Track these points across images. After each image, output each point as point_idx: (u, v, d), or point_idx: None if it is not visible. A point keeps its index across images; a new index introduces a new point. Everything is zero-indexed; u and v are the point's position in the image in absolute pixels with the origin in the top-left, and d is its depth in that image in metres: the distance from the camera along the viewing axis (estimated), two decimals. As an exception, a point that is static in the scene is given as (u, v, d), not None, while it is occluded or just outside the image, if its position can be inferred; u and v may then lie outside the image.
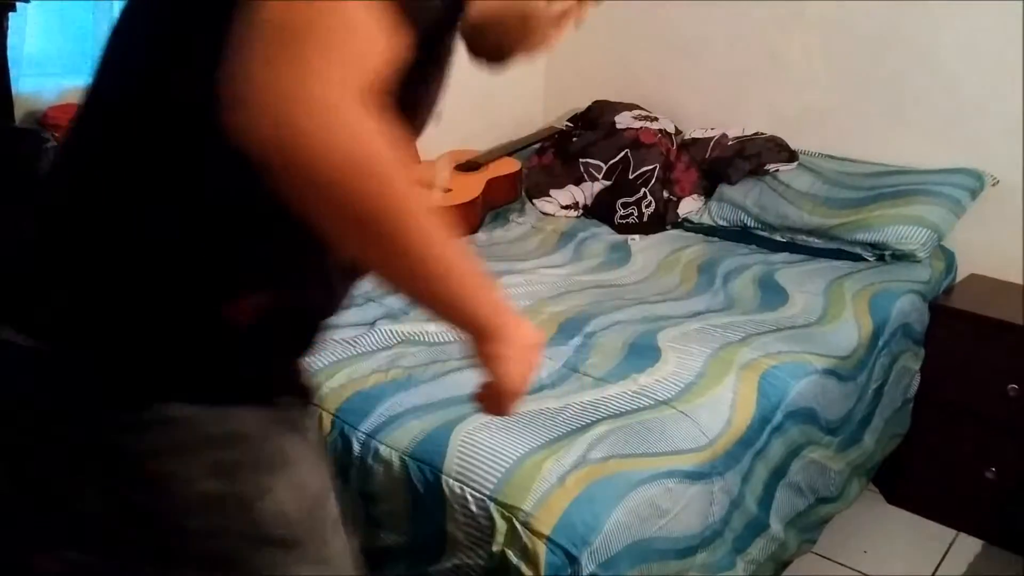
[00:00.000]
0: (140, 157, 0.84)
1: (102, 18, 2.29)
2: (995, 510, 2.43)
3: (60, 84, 2.27)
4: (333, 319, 0.99)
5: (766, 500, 1.84)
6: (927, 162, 2.77)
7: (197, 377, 0.87)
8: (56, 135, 1.85)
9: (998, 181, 2.70)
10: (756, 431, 1.76)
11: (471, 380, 1.72)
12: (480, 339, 0.91)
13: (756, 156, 2.88)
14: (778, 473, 1.88)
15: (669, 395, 1.75)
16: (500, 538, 1.40)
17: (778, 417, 1.83)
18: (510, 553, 1.38)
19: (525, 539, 1.38)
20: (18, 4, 1.89)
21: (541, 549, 1.36)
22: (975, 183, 2.68)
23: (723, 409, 1.74)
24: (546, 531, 1.38)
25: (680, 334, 2.02)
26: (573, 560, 1.36)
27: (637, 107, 3.12)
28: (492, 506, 1.42)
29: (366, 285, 2.25)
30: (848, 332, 2.19)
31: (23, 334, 0.86)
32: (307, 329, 0.97)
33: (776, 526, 1.87)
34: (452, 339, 1.94)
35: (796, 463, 1.94)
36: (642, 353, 1.90)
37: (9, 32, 1.89)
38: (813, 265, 2.60)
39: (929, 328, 2.51)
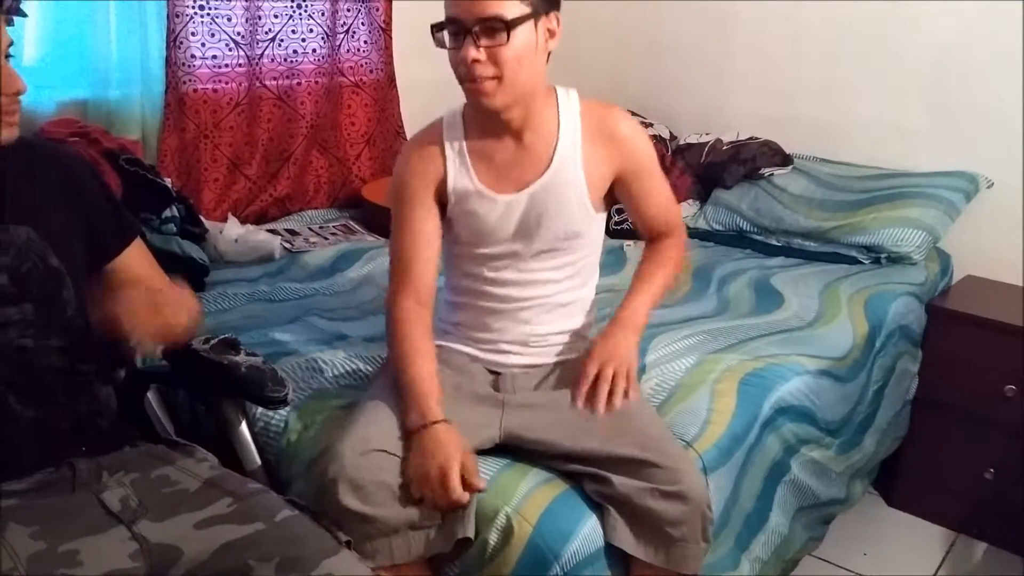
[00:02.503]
0: None
1: (98, 31, 2.30)
2: (995, 511, 2.44)
3: (56, 98, 2.28)
4: None
5: (766, 495, 1.85)
6: (921, 165, 2.78)
7: None
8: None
9: (992, 183, 2.71)
10: (745, 428, 1.77)
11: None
12: None
13: (751, 160, 2.89)
14: (778, 470, 1.88)
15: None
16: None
17: (767, 411, 1.83)
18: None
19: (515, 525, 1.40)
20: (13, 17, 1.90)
21: (525, 533, 1.38)
22: (969, 185, 2.69)
23: (700, 412, 1.74)
24: (531, 523, 1.39)
25: (670, 343, 2.01)
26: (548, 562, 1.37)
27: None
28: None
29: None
30: (843, 334, 2.19)
31: None
32: None
33: (779, 520, 1.88)
34: None
35: (795, 460, 1.94)
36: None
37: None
38: (808, 269, 2.61)
39: (926, 330, 2.52)
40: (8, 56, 1.27)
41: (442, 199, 1.59)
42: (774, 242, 2.80)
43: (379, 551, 1.36)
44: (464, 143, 1.58)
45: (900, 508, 2.59)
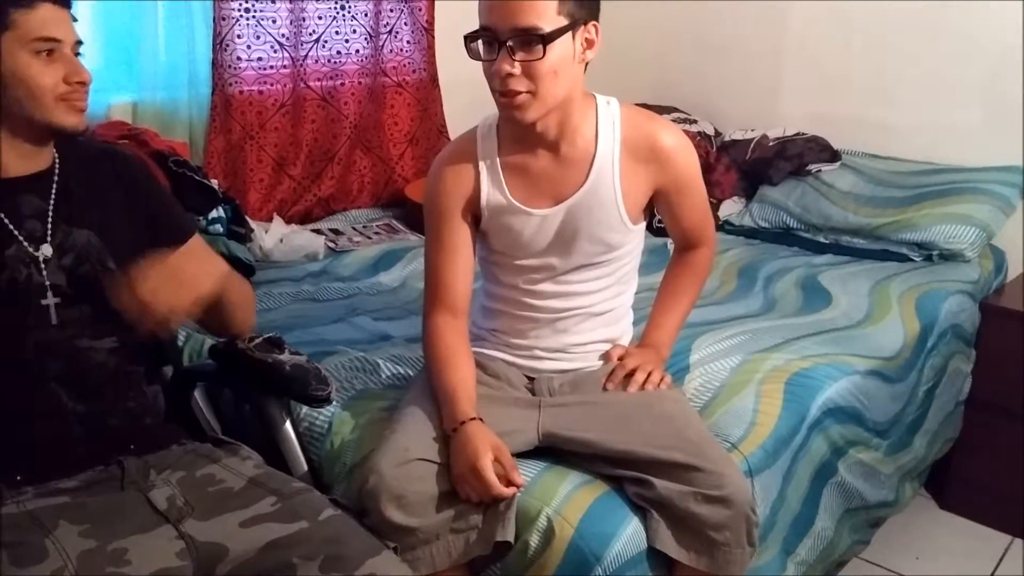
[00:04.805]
0: None
1: (147, 36, 2.34)
2: (1052, 515, 2.37)
3: (107, 101, 2.33)
4: None
5: (812, 498, 1.82)
6: (974, 159, 2.71)
7: None
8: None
9: (1049, 178, 2.63)
10: (791, 430, 1.73)
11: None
12: None
13: (797, 156, 2.84)
14: (825, 471, 1.85)
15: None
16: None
17: (814, 414, 1.80)
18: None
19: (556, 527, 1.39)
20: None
21: (567, 535, 1.37)
22: (1025, 180, 2.62)
23: (746, 413, 1.71)
24: (572, 524, 1.38)
25: (715, 342, 1.98)
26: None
27: (675, 110, 3.10)
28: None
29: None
30: (893, 333, 2.15)
31: None
32: None
33: (825, 523, 1.85)
34: None
35: (843, 463, 1.90)
36: (673, 364, 1.82)
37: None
38: (858, 266, 2.56)
39: (979, 329, 2.45)
40: (78, 53, 1.31)
41: (476, 212, 1.57)
42: (822, 239, 2.75)
43: (420, 559, 1.36)
44: (497, 156, 1.55)
45: (953, 511, 2.53)
